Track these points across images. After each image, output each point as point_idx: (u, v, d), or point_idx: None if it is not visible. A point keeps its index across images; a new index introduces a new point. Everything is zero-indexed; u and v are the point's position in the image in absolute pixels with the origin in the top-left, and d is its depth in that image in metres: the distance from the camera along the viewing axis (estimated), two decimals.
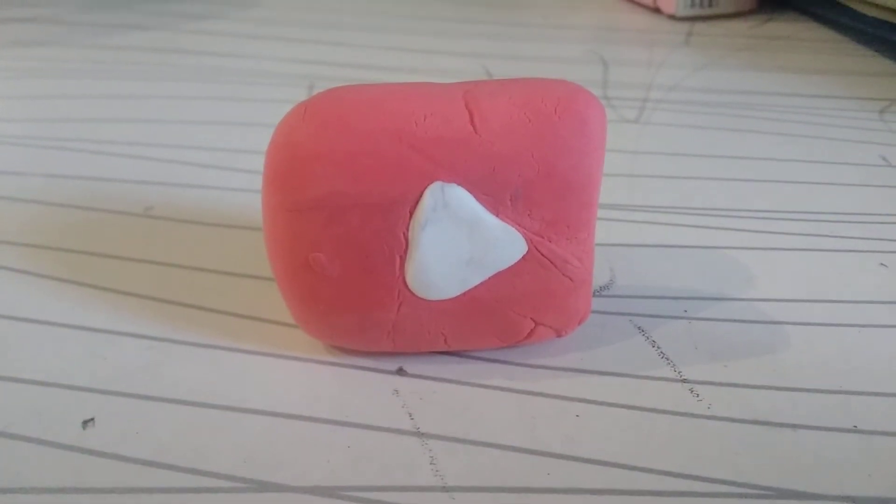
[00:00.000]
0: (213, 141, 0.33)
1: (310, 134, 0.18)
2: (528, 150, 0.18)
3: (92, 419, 0.19)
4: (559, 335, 0.21)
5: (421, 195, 0.18)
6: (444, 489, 0.18)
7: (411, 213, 0.18)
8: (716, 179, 0.31)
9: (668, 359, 0.22)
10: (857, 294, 0.25)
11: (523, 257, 0.19)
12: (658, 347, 0.22)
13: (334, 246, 0.19)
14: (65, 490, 0.17)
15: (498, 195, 0.19)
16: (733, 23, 0.50)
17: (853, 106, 0.38)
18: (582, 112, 0.18)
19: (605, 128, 0.19)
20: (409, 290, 0.19)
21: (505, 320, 0.20)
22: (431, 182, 0.18)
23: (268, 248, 0.20)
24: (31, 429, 0.19)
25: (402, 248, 0.19)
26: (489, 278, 0.19)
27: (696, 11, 0.49)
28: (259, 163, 0.31)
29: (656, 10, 0.51)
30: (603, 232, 0.27)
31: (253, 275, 0.25)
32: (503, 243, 0.19)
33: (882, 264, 0.26)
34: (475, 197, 0.19)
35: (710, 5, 0.49)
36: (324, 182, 0.18)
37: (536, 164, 0.18)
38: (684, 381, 0.21)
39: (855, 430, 0.20)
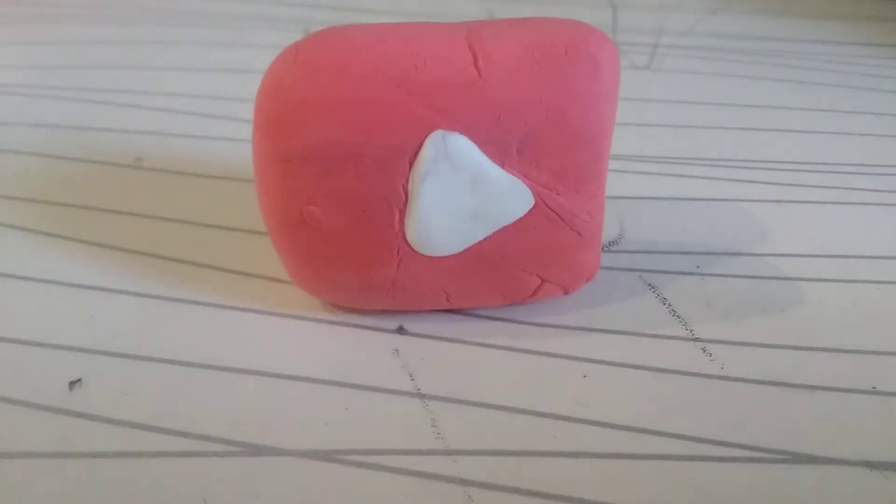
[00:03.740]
0: (205, 88, 0.32)
1: (301, 79, 0.17)
2: (537, 95, 0.17)
3: (79, 380, 0.19)
4: (566, 292, 0.20)
5: (421, 145, 0.17)
6: (447, 452, 0.17)
7: (411, 165, 0.17)
8: (729, 129, 0.30)
9: (679, 317, 0.21)
10: (876, 249, 0.24)
11: (530, 211, 0.18)
12: (669, 305, 0.21)
13: (329, 199, 0.18)
14: (51, 454, 0.17)
15: (503, 145, 0.17)
16: None
17: (872, 53, 0.36)
18: (594, 54, 0.17)
19: (619, 72, 0.18)
20: (409, 246, 0.18)
21: (510, 277, 0.19)
22: (432, 130, 0.17)
23: (260, 202, 0.19)
24: (15, 391, 0.18)
25: (401, 202, 0.18)
26: (493, 233, 0.18)
27: None
28: (251, 111, 0.30)
29: None
30: (612, 184, 0.26)
31: (247, 228, 0.24)
32: (508, 196, 0.18)
33: None
34: (479, 146, 0.17)
35: None
36: (316, 131, 0.17)
37: (545, 111, 0.17)
38: (696, 339, 0.20)
39: (874, 392, 0.19)
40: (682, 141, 0.29)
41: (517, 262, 0.19)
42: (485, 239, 0.19)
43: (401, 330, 0.20)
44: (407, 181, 0.18)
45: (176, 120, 0.29)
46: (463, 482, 0.17)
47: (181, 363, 0.19)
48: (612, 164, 0.27)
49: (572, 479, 0.17)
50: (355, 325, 0.20)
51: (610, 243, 0.23)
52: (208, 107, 0.30)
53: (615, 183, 0.26)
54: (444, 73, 0.17)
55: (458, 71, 0.17)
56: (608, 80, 0.17)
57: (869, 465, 0.17)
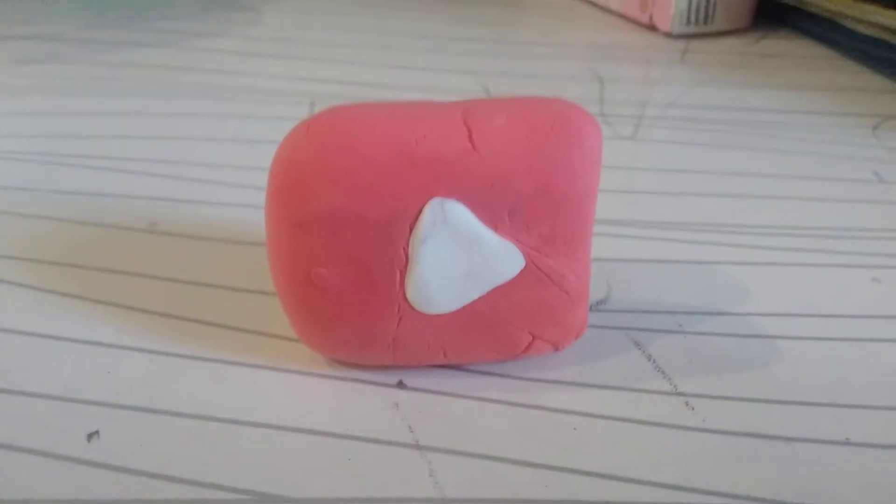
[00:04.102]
0: (216, 157, 0.34)
1: (312, 152, 0.18)
2: (526, 166, 0.19)
3: (97, 432, 0.20)
4: (556, 349, 0.21)
5: (420, 211, 0.19)
6: (444, 501, 0.18)
7: (411, 229, 0.19)
8: (711, 195, 0.32)
9: (663, 372, 0.22)
10: (850, 308, 0.25)
11: (521, 272, 0.20)
12: (654, 361, 0.22)
13: (336, 260, 0.19)
14: (69, 502, 0.18)
15: (496, 210, 0.19)
16: (728, 40, 0.50)
17: (847, 122, 0.39)
18: (578, 130, 0.19)
19: (601, 145, 0.19)
20: (410, 305, 0.20)
21: (503, 334, 0.21)
22: (431, 198, 0.19)
23: (270, 263, 0.20)
24: (36, 442, 0.19)
25: (402, 263, 0.19)
26: (488, 293, 0.20)
27: (692, 29, 0.50)
28: (261, 179, 0.32)
29: (652, 28, 0.51)
30: (599, 247, 0.27)
31: (255, 290, 0.25)
32: (501, 258, 0.19)
33: (875, 279, 0.26)
34: (474, 212, 0.19)
35: (706, 23, 0.50)
36: (326, 198, 0.18)
37: (534, 181, 0.19)
38: (679, 394, 0.21)
39: (847, 443, 0.20)
40: (667, 207, 0.31)
41: (510, 319, 0.20)
42: (480, 298, 0.20)
43: (401, 384, 0.21)
44: (408, 244, 0.19)
45: (189, 187, 0.31)
46: None
47: (193, 416, 0.20)
48: (599, 228, 0.29)
49: None
50: (357, 380, 0.21)
51: (598, 303, 0.25)
52: (219, 175, 0.32)
53: (603, 246, 0.28)
54: (442, 146, 0.18)
55: (454, 144, 0.18)
56: (591, 152, 0.19)
57: None
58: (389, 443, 0.20)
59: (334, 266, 0.19)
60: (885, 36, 0.44)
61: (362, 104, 0.20)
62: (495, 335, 0.21)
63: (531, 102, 0.20)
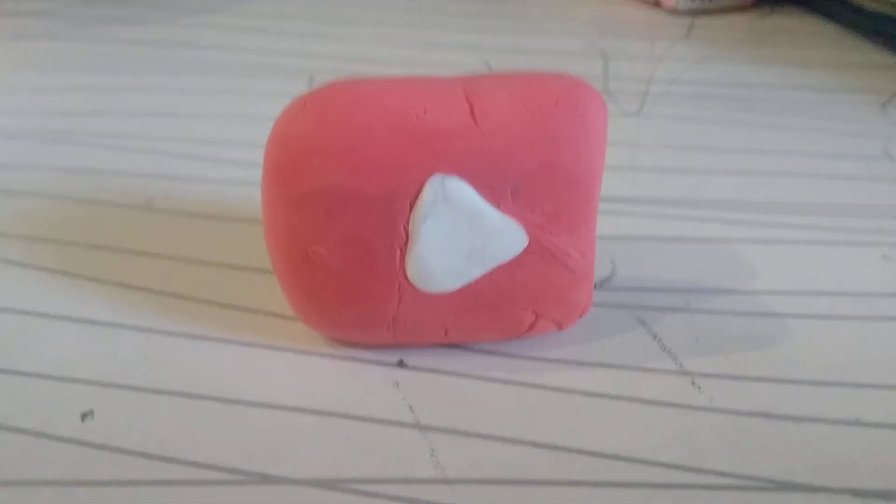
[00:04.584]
0: (213, 134, 0.33)
1: (309, 128, 0.18)
2: (529, 142, 0.18)
3: (91, 412, 0.19)
4: (560, 328, 0.21)
5: (421, 188, 0.18)
6: (445, 481, 0.18)
7: (412, 206, 0.18)
8: (716, 172, 0.31)
9: (669, 351, 0.22)
10: (859, 286, 0.24)
11: (524, 250, 0.19)
12: (659, 340, 0.22)
13: (334, 239, 0.19)
14: (64, 483, 0.17)
15: (498, 188, 0.19)
16: (734, 16, 0.49)
17: (854, 99, 0.38)
18: (582, 105, 0.18)
19: (606, 121, 0.19)
20: (410, 284, 0.19)
21: (506, 313, 0.20)
22: (431, 174, 0.18)
23: (267, 241, 0.20)
24: (30, 422, 0.19)
25: (402, 241, 0.19)
26: (490, 271, 0.19)
27: (697, 5, 0.49)
28: (259, 156, 0.31)
29: (657, 4, 0.51)
30: (604, 225, 0.27)
31: (253, 267, 0.25)
32: (504, 236, 0.19)
33: (884, 256, 0.26)
34: (476, 189, 0.18)
35: None
36: (323, 175, 0.18)
37: (537, 157, 0.18)
38: (686, 373, 0.21)
39: (858, 423, 0.19)
40: (672, 184, 0.30)
41: (513, 298, 0.20)
42: (482, 277, 0.19)
43: (401, 364, 0.21)
44: (408, 222, 0.19)
45: (186, 164, 0.31)
46: None
47: (189, 395, 0.20)
48: (604, 206, 0.28)
49: None
50: (357, 360, 0.21)
51: (602, 281, 0.24)
52: (217, 151, 0.32)
53: (607, 224, 0.27)
54: (443, 121, 0.18)
55: (455, 120, 0.18)
56: (596, 128, 0.19)
57: (854, 493, 0.18)
58: (390, 422, 0.19)
59: (332, 244, 0.19)
60: (892, 12, 0.43)
61: (361, 79, 0.19)
62: (498, 314, 0.20)
63: (534, 77, 0.19)
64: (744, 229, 0.27)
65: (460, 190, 0.18)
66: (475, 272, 0.19)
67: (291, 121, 0.18)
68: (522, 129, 0.18)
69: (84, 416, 0.19)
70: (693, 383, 0.21)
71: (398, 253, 0.19)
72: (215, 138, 0.33)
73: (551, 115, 0.18)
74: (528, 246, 0.19)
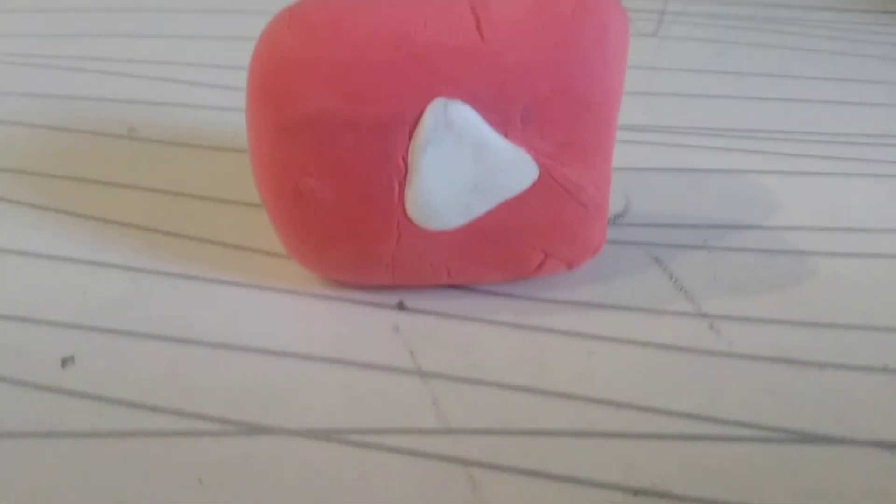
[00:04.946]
0: (199, 56, 0.31)
1: (295, 42, 0.16)
2: (542, 61, 0.16)
3: (72, 357, 0.18)
4: (570, 267, 0.20)
5: (421, 113, 0.16)
6: (448, 432, 0.17)
7: (410, 134, 0.17)
8: (737, 98, 0.29)
9: (686, 292, 0.20)
10: (888, 222, 0.23)
11: (534, 183, 0.18)
12: (676, 280, 0.21)
13: (326, 170, 0.17)
14: (43, 434, 0.16)
15: (507, 113, 0.17)
16: None
17: (885, 20, 0.35)
18: (603, 18, 0.16)
19: (627, 38, 0.17)
20: (409, 220, 0.18)
21: (513, 252, 0.19)
22: (433, 98, 0.16)
23: (254, 173, 0.18)
24: (6, 368, 0.18)
25: (400, 173, 0.17)
26: (496, 206, 0.18)
27: None
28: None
29: None
30: (617, 156, 0.25)
31: (244, 201, 0.23)
32: (512, 168, 0.17)
33: None
34: (481, 115, 0.17)
35: None
36: (312, 98, 0.16)
37: (551, 78, 0.16)
38: (703, 315, 0.20)
39: (885, 370, 0.18)
40: (690, 111, 0.28)
41: (520, 236, 0.19)
42: (487, 212, 0.18)
43: (401, 306, 0.20)
44: (407, 152, 0.17)
45: (170, 89, 0.29)
46: (465, 462, 0.16)
47: (175, 340, 0.19)
48: (617, 135, 0.26)
49: (576, 459, 0.16)
50: (354, 301, 0.20)
51: (616, 216, 0.23)
52: (202, 75, 0.30)
53: (621, 154, 0.25)
54: (445, 36, 0.16)
55: (459, 34, 0.16)
56: (616, 45, 0.17)
57: (880, 444, 0.17)
58: (389, 369, 0.18)
59: (324, 176, 0.17)
60: None
61: None
62: (504, 253, 0.19)
63: None
64: (766, 160, 0.26)
65: (464, 116, 0.17)
66: (480, 207, 0.18)
67: (275, 36, 0.16)
68: (534, 45, 0.16)
69: (64, 362, 0.18)
70: (711, 327, 0.19)
71: (396, 186, 0.17)
72: (202, 61, 0.31)
73: (567, 29, 0.16)
74: (539, 178, 0.18)
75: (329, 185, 0.17)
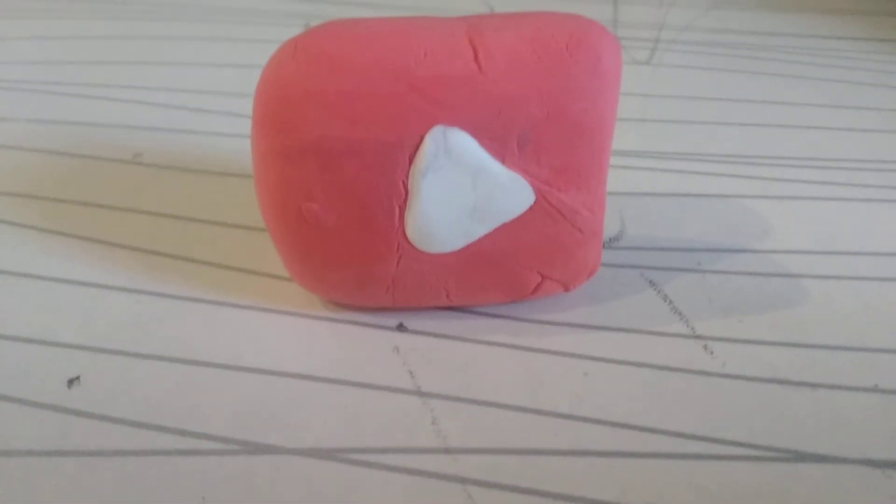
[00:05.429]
0: (204, 84, 0.32)
1: (300, 72, 0.16)
2: (537, 89, 0.17)
3: (78, 377, 0.18)
4: (567, 289, 0.20)
5: (421, 140, 0.17)
6: (447, 451, 0.17)
7: (411, 160, 0.17)
8: (730, 124, 0.30)
9: (680, 314, 0.21)
10: (879, 246, 0.23)
11: (530, 207, 0.18)
12: (670, 302, 0.21)
13: (329, 195, 0.17)
14: (49, 452, 0.17)
15: (504, 140, 0.17)
16: None
17: (874, 48, 0.36)
18: (596, 48, 0.17)
19: (620, 66, 0.18)
20: (410, 243, 0.18)
21: (510, 274, 0.19)
22: (432, 125, 0.17)
23: (259, 197, 0.19)
24: (13, 388, 0.18)
25: (401, 198, 0.18)
26: (494, 230, 0.18)
27: None
28: (251, 106, 0.30)
29: None
30: (613, 180, 0.26)
31: (247, 225, 0.23)
32: (509, 192, 0.18)
33: None
34: (479, 142, 0.17)
35: None
36: (316, 125, 0.16)
37: (546, 106, 0.17)
38: (697, 337, 0.20)
39: (876, 390, 0.19)
40: (684, 137, 0.29)
41: (518, 259, 0.19)
42: (485, 236, 0.18)
43: (401, 327, 0.20)
44: (407, 177, 0.17)
45: (175, 115, 0.29)
46: (463, 480, 0.16)
47: (180, 360, 0.19)
48: (613, 160, 0.27)
49: (573, 478, 0.17)
50: (355, 323, 0.20)
51: (611, 240, 0.23)
52: (208, 102, 0.30)
53: (616, 179, 0.26)
54: (445, 67, 0.16)
55: (458, 65, 0.16)
56: (609, 74, 0.17)
57: (871, 463, 0.17)
58: (389, 389, 0.18)
59: (327, 200, 0.17)
60: None
61: (357, 20, 0.18)
62: (502, 275, 0.19)
63: (543, 18, 0.18)
64: (758, 185, 0.26)
65: (463, 143, 0.17)
66: (478, 231, 0.18)
67: (281, 65, 0.17)
68: (529, 75, 0.17)
69: (70, 382, 0.18)
70: (705, 347, 0.20)
71: (397, 210, 0.18)
72: (207, 88, 0.31)
73: (561, 59, 0.17)
74: (535, 203, 0.18)
75: (332, 210, 0.18)
